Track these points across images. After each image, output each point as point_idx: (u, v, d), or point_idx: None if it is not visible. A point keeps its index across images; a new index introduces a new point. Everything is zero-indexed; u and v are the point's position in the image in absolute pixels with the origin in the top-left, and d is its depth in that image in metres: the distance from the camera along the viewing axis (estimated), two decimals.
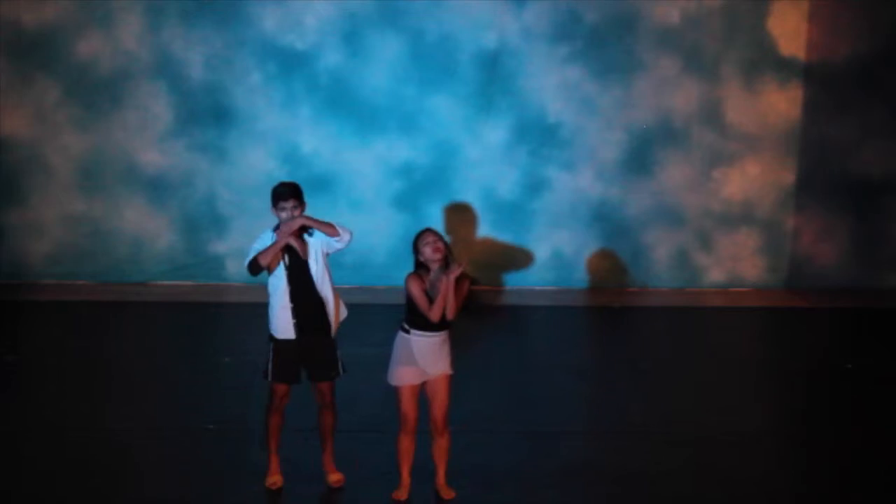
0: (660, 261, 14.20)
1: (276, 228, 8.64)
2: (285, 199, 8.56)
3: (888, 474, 9.66)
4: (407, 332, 8.57)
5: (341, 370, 8.79)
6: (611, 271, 14.12)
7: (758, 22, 13.85)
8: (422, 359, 8.56)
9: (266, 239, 8.65)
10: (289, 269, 8.63)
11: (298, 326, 8.63)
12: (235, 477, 9.32)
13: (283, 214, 8.57)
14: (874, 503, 9.25)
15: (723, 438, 10.25)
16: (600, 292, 14.05)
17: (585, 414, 10.85)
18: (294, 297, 8.61)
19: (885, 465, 9.81)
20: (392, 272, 14.03)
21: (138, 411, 10.44)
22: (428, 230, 8.65)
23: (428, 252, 8.52)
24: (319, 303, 8.63)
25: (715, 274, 14.25)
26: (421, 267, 8.58)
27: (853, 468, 9.77)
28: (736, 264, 14.25)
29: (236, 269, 13.81)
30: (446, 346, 8.64)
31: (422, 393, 8.69)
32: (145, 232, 13.96)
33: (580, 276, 14.18)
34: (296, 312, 8.62)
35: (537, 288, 14.10)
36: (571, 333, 12.96)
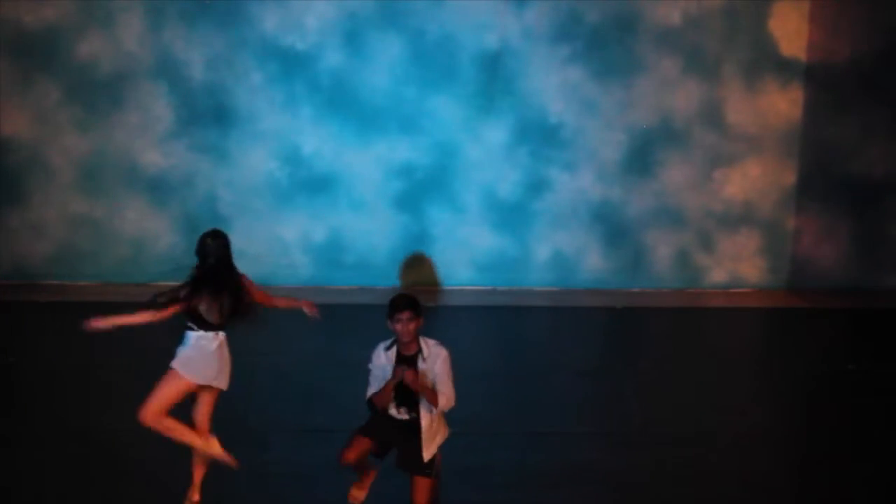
0: (661, 261, 14.20)
1: (389, 348, 8.32)
2: (401, 311, 8.22)
3: (889, 475, 9.67)
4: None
5: (434, 469, 8.37)
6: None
7: (759, 23, 13.85)
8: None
9: (380, 365, 8.32)
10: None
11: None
12: (235, 477, 9.32)
13: (399, 326, 8.21)
14: None
15: (723, 438, 10.26)
16: (602, 293, 14.05)
17: (586, 414, 10.86)
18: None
19: (885, 466, 9.81)
20: (393, 273, 14.05)
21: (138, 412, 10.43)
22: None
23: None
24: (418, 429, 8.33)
25: (716, 274, 14.25)
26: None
27: (854, 469, 9.77)
28: (737, 265, 14.25)
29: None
30: None
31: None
32: (146, 233, 13.97)
33: (581, 277, 14.18)
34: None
35: (537, 288, 14.11)
36: (572, 334, 12.97)
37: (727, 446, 10.10)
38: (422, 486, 8.32)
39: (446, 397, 8.25)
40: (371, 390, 8.30)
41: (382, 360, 8.30)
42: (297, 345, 12.14)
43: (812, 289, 14.14)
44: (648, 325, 13.22)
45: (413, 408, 8.30)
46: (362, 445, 8.33)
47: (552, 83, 13.85)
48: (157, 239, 13.98)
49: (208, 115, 13.80)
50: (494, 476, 9.44)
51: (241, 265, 13.85)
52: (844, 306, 13.64)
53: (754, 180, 14.12)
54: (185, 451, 9.11)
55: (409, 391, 8.23)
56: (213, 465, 9.33)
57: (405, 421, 8.31)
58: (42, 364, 11.65)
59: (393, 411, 8.37)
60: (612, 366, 11.94)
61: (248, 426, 10.21)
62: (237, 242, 14.06)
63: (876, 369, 11.86)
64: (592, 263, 14.18)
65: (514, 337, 12.92)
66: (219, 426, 9.92)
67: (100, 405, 10.69)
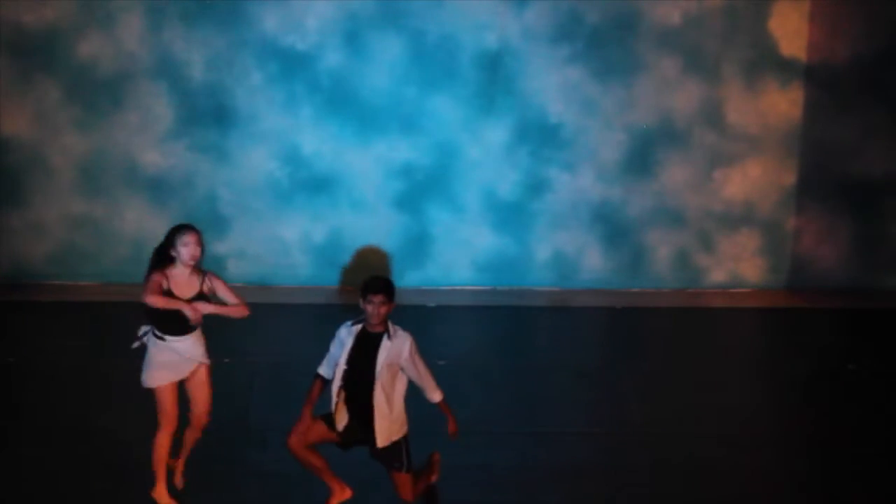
0: (661, 261, 14.19)
1: (355, 324, 8.35)
2: (374, 293, 8.24)
3: (889, 475, 9.67)
4: (162, 339, 8.59)
5: (405, 464, 8.46)
6: None
7: (759, 22, 13.85)
8: (180, 358, 8.64)
9: (340, 340, 8.38)
10: (348, 370, 8.37)
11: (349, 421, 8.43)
12: (235, 477, 9.33)
13: (370, 308, 8.23)
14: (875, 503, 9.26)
15: (723, 438, 10.26)
16: (602, 293, 14.05)
17: (586, 414, 10.86)
18: (348, 399, 8.40)
19: (886, 466, 9.81)
20: (392, 273, 14.05)
21: (139, 412, 10.43)
22: (189, 229, 8.66)
23: (185, 254, 8.56)
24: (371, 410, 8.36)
25: (716, 274, 14.24)
26: (167, 261, 8.66)
27: (854, 469, 9.78)
28: (737, 265, 14.24)
29: (237, 270, 13.81)
30: (201, 339, 8.72)
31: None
32: (146, 232, 13.94)
33: (581, 277, 14.18)
34: (349, 409, 8.41)
35: (537, 288, 14.10)
36: (572, 334, 12.96)
37: (727, 446, 10.10)
38: (397, 480, 8.42)
39: (433, 382, 8.38)
40: (323, 364, 8.42)
41: (343, 335, 8.36)
42: (297, 345, 12.14)
43: (812, 289, 14.14)
44: (648, 325, 13.22)
45: (366, 424, 8.34)
46: (313, 431, 8.39)
47: (552, 83, 13.85)
48: (157, 239, 13.76)
49: (208, 115, 13.80)
50: (494, 476, 9.44)
51: (241, 265, 14.00)
52: (844, 306, 13.63)
53: (754, 180, 14.12)
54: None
55: (362, 408, 8.30)
56: (212, 466, 9.35)
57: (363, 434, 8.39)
58: (42, 364, 11.65)
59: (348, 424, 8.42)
60: (612, 366, 11.94)
61: (248, 426, 10.21)
62: (237, 242, 14.19)
63: (876, 369, 11.86)
64: (592, 263, 14.18)
65: (514, 337, 12.92)
66: (219, 426, 9.93)
67: (100, 405, 10.69)
